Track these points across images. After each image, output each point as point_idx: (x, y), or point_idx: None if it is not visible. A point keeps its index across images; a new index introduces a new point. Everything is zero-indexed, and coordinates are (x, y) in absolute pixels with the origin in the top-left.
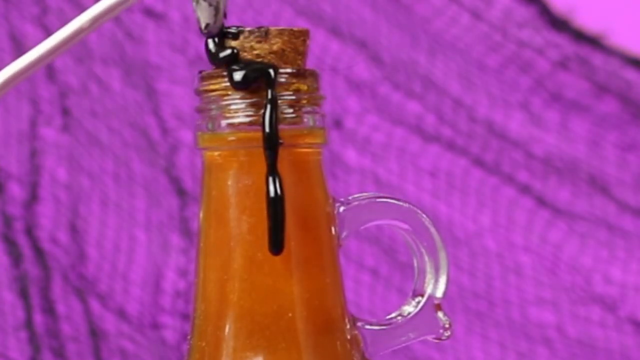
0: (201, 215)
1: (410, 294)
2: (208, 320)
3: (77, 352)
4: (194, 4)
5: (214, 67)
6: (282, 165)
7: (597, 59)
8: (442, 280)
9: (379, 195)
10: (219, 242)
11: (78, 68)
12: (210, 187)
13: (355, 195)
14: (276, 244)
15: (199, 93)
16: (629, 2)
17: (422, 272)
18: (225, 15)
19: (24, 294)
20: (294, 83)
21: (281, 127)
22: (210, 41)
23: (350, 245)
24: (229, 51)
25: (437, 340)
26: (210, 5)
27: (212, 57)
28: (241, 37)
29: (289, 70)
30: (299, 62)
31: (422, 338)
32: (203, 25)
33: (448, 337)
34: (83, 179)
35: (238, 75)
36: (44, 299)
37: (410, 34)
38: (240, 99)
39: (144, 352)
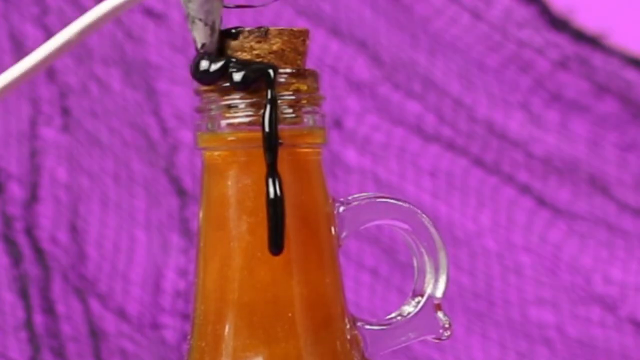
0: (201, 215)
1: (410, 294)
2: (208, 320)
3: (77, 352)
4: (190, 24)
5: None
6: (282, 165)
7: (597, 59)
8: (442, 280)
9: (379, 195)
10: (218, 242)
11: (78, 68)
12: (210, 187)
13: (355, 195)
14: (276, 244)
15: (198, 93)
16: (629, 2)
17: (422, 272)
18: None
19: (24, 294)
20: (293, 83)
21: (281, 127)
22: (200, 62)
23: (350, 245)
24: (220, 63)
25: (437, 340)
26: (206, 25)
27: (204, 75)
28: (241, 37)
29: (288, 70)
30: (299, 62)
31: (422, 338)
32: (199, 45)
33: (448, 337)
34: (83, 179)
35: (238, 76)
36: (44, 299)
37: (410, 34)
38: (240, 99)
39: (144, 352)
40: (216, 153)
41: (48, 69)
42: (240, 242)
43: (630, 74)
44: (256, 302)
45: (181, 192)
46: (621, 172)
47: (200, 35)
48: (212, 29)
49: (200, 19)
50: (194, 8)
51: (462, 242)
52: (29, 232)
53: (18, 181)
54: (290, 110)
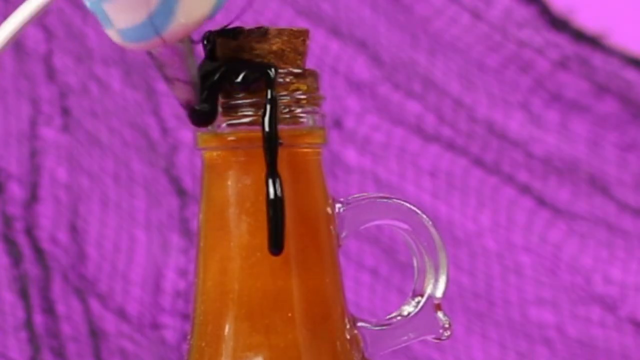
0: (201, 215)
1: (410, 294)
2: (208, 320)
3: (77, 352)
4: (168, 85)
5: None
6: (282, 165)
7: (597, 59)
8: (442, 280)
9: (379, 195)
10: (218, 242)
11: (78, 68)
12: (210, 187)
13: (355, 195)
14: (276, 245)
15: None
16: (629, 2)
17: (422, 272)
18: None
19: (24, 294)
20: (293, 83)
21: (281, 127)
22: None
23: (350, 245)
24: (216, 78)
25: (437, 340)
26: (185, 83)
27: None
28: (241, 37)
29: (288, 70)
30: (299, 62)
31: (422, 338)
32: (184, 102)
33: (448, 337)
34: (83, 179)
35: (238, 76)
36: (44, 299)
37: (410, 34)
38: (240, 99)
39: (144, 352)
40: (216, 153)
41: (48, 68)
42: (240, 242)
43: (630, 74)
44: (256, 302)
45: (181, 192)
46: (621, 172)
47: (181, 94)
48: (193, 84)
49: (178, 79)
50: (170, 72)
51: (462, 242)
52: (29, 232)
53: (18, 181)
54: (291, 110)
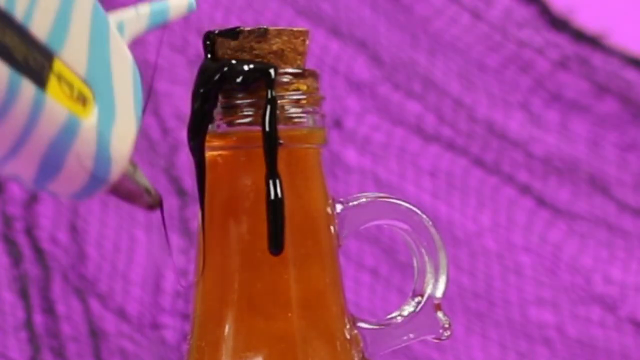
0: (201, 215)
1: (410, 294)
2: (208, 320)
3: (77, 352)
4: (129, 200)
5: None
6: (282, 165)
7: (597, 59)
8: (442, 280)
9: (379, 195)
10: (218, 242)
11: None
12: (210, 187)
13: (355, 195)
14: (276, 245)
15: None
16: (629, 2)
17: (422, 272)
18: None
19: (24, 294)
20: (293, 83)
21: (281, 127)
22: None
23: (350, 245)
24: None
25: (437, 340)
26: (140, 193)
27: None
28: (241, 37)
29: (288, 70)
30: (299, 62)
31: (422, 338)
32: (145, 206)
33: (448, 337)
34: None
35: (238, 76)
36: (44, 299)
37: (410, 34)
38: (240, 99)
39: (144, 352)
40: (216, 153)
41: None
42: (240, 242)
43: (630, 74)
44: (256, 302)
45: (181, 192)
46: (621, 172)
47: (141, 201)
48: (146, 190)
49: (133, 192)
50: (123, 189)
51: (462, 242)
52: (29, 232)
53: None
54: (290, 110)
